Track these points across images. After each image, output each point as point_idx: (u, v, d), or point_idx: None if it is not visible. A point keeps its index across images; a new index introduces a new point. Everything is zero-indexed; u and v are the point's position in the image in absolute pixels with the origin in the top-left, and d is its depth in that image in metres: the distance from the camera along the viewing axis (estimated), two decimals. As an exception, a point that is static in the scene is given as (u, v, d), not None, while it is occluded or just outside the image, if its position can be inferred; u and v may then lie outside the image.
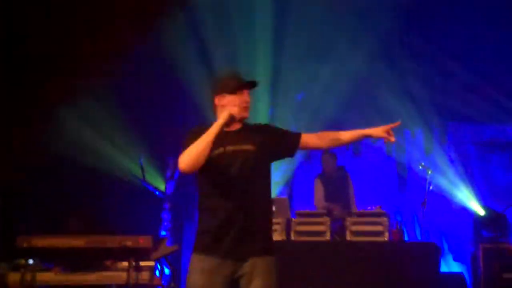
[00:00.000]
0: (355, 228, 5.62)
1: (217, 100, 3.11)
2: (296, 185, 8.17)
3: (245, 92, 3.10)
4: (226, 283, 2.95)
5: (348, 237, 5.62)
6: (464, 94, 7.59)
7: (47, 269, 4.88)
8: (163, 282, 5.29)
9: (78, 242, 4.93)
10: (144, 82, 7.43)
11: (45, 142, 6.50)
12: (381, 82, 7.75)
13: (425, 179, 6.29)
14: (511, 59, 7.41)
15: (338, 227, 5.82)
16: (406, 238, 6.13)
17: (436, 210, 7.33)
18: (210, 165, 2.94)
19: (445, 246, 7.58)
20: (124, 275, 4.84)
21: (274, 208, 4.78)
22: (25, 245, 4.87)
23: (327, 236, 5.66)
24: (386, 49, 7.58)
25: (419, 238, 7.46)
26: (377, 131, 3.15)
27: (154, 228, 7.53)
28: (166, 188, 7.89)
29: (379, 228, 5.57)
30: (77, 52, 6.46)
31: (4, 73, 6.18)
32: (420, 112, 7.80)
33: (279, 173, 7.63)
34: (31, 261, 4.82)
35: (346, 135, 3.19)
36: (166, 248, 5.40)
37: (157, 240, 5.42)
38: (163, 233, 7.68)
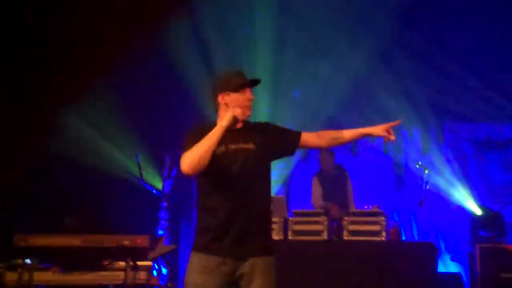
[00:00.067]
0: (352, 227, 5.63)
1: (220, 98, 3.09)
2: (293, 184, 8.17)
3: (248, 90, 3.09)
4: (225, 282, 2.94)
5: (346, 236, 5.63)
6: (461, 94, 7.62)
7: (45, 269, 4.87)
8: (160, 281, 5.28)
9: (75, 241, 4.94)
10: (142, 81, 7.42)
11: (43, 141, 6.49)
12: (379, 82, 7.76)
13: (422, 179, 6.30)
14: (507, 59, 7.43)
15: (336, 227, 5.82)
16: (403, 238, 6.14)
17: (433, 209, 7.33)
18: (211, 164, 2.93)
19: (442, 246, 7.60)
20: (121, 274, 4.84)
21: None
22: (22, 244, 4.87)
23: (325, 236, 5.67)
24: (384, 49, 7.59)
25: (416, 237, 7.48)
26: (377, 129, 3.14)
27: (152, 227, 7.52)
28: (163, 186, 7.88)
29: (376, 227, 5.58)
30: (77, 53, 6.46)
31: (4, 73, 6.17)
32: (417, 112, 7.81)
33: (276, 172, 7.63)
34: (28, 261, 4.80)
35: (346, 134, 3.18)
36: (163, 247, 5.40)
37: (155, 240, 5.42)
38: (161, 232, 7.66)
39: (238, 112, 2.99)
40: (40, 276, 4.83)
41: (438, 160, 7.85)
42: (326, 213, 5.93)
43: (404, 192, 7.97)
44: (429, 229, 7.36)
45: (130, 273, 4.81)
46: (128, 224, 6.23)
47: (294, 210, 6.00)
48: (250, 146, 3.04)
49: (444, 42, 7.61)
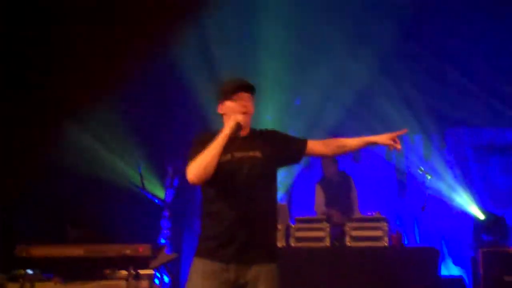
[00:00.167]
0: (354, 233, 5.63)
1: (219, 108, 3.11)
2: (295, 192, 8.17)
3: (244, 96, 3.06)
4: None
5: (348, 242, 5.62)
6: (462, 100, 7.63)
7: (46, 279, 4.85)
8: (162, 290, 5.27)
9: (77, 251, 4.94)
10: (144, 90, 7.43)
11: (45, 151, 6.50)
12: (380, 89, 7.77)
13: (425, 184, 6.30)
14: (506, 64, 7.44)
15: (338, 233, 5.81)
16: (405, 243, 6.12)
17: (436, 214, 7.33)
18: (217, 171, 2.92)
19: (445, 250, 7.57)
20: (123, 284, 4.83)
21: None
22: (24, 254, 4.88)
23: (327, 242, 5.66)
24: (384, 56, 7.60)
25: (418, 242, 7.46)
26: (382, 138, 3.14)
27: (154, 236, 7.51)
28: (165, 196, 7.88)
29: (378, 233, 5.58)
30: (76, 60, 6.47)
31: (3, 78, 6.19)
32: (418, 118, 7.82)
33: (279, 180, 7.60)
34: (30, 271, 4.80)
35: (352, 142, 3.18)
36: (165, 256, 5.40)
37: (156, 248, 5.41)
38: (163, 241, 7.66)
39: (240, 118, 2.98)
40: (42, 287, 4.82)
41: (440, 165, 7.85)
42: (328, 219, 5.93)
43: (407, 197, 7.96)
44: (431, 234, 7.35)
45: (132, 282, 4.80)
46: (130, 233, 6.23)
47: (296, 217, 5.99)
48: (256, 154, 3.04)
49: (444, 49, 7.63)
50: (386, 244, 5.53)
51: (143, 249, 4.97)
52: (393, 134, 3.15)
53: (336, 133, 6.83)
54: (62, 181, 6.61)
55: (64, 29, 6.24)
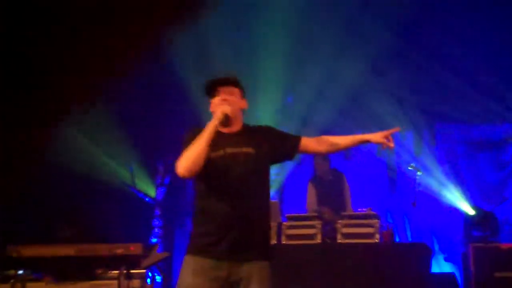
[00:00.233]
0: (346, 230, 5.63)
1: (210, 107, 3.10)
2: (287, 189, 8.17)
3: (224, 90, 3.05)
4: (219, 286, 2.90)
5: (339, 239, 5.63)
6: (452, 97, 7.68)
7: (37, 279, 4.82)
8: (154, 289, 5.26)
9: (68, 251, 4.88)
10: (135, 90, 7.41)
11: (36, 151, 6.47)
12: (371, 87, 7.81)
13: (415, 181, 6.32)
14: (496, 61, 7.49)
15: (329, 230, 5.82)
16: (396, 239, 6.15)
17: (427, 210, 7.37)
18: (210, 167, 2.91)
19: (436, 247, 7.62)
20: (115, 283, 4.80)
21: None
22: (14, 254, 4.82)
23: (318, 239, 5.66)
24: (375, 55, 7.63)
25: (409, 239, 7.49)
26: (376, 136, 3.14)
27: (145, 235, 7.50)
28: (156, 194, 7.86)
29: (369, 230, 5.58)
30: (72, 63, 6.44)
31: (3, 78, 6.15)
32: (408, 115, 7.86)
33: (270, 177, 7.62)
34: (20, 271, 4.77)
35: (345, 140, 3.19)
36: (157, 255, 5.37)
37: (148, 248, 5.39)
38: (154, 240, 7.64)
39: (228, 109, 2.99)
40: (33, 287, 4.79)
41: (430, 161, 7.89)
42: (320, 216, 5.93)
43: (397, 194, 8.00)
44: (422, 230, 7.39)
45: (124, 282, 4.77)
46: (121, 232, 6.21)
47: (287, 214, 6.00)
48: (249, 150, 3.03)
49: (434, 47, 7.68)
50: (377, 241, 5.54)
51: (135, 248, 4.92)
52: (386, 133, 3.15)
53: (328, 131, 6.83)
54: (53, 180, 6.59)
55: (64, 29, 6.21)
